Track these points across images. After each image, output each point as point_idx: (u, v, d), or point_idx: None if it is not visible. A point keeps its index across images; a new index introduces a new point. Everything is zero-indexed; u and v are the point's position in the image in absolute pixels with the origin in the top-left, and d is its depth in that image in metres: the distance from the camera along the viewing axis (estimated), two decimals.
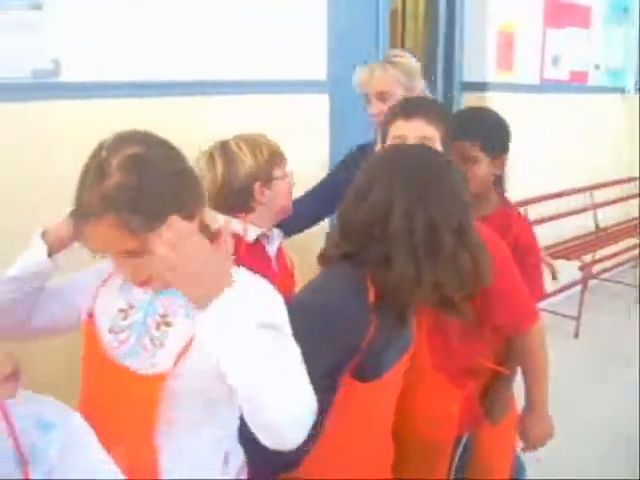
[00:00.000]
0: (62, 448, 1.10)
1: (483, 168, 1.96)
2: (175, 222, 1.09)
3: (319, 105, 3.06)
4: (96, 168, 1.17)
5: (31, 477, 1.06)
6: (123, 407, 1.28)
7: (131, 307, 1.34)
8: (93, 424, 1.30)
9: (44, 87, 2.24)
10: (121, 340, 1.31)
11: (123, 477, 1.16)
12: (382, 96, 2.26)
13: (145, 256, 1.17)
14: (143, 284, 1.26)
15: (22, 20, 2.17)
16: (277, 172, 1.90)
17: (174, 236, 1.06)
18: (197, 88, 2.59)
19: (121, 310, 1.34)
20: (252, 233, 1.86)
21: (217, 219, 1.41)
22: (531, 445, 1.97)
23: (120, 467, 1.19)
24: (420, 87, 2.34)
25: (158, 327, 1.29)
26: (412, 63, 2.35)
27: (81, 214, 1.19)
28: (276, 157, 1.92)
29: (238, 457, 1.39)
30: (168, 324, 1.29)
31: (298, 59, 2.97)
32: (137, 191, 1.15)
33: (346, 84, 3.23)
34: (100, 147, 1.20)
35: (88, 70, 2.32)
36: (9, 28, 2.14)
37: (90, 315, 1.36)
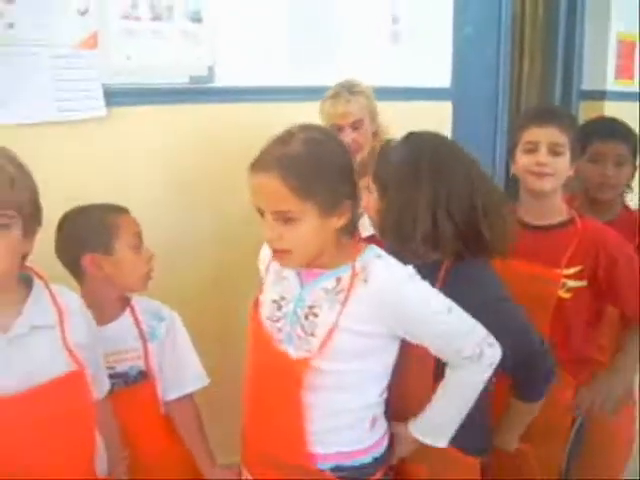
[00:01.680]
0: (168, 332, 1.81)
1: (629, 171, 2.08)
2: None
3: (443, 112, 3.12)
4: (282, 137, 1.42)
5: (149, 348, 1.77)
6: (276, 383, 1.49)
7: (282, 298, 1.52)
8: (253, 396, 1.56)
9: (199, 92, 2.49)
10: (278, 328, 1.51)
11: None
12: (355, 125, 2.31)
13: (294, 225, 1.37)
14: (277, 253, 1.44)
15: (184, 32, 2.42)
16: None
17: None
18: None
19: (274, 301, 1.53)
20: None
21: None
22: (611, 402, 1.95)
23: (273, 434, 1.50)
24: (376, 109, 2.41)
25: (307, 317, 1.46)
26: (368, 88, 2.40)
27: (254, 167, 1.40)
28: None
29: (383, 425, 1.57)
30: (315, 315, 1.46)
31: (424, 66, 3.05)
32: (305, 162, 1.37)
33: (470, 91, 3.30)
34: (291, 127, 1.43)
35: (238, 76, 2.56)
36: (172, 39, 2.41)
37: (256, 303, 1.58)
